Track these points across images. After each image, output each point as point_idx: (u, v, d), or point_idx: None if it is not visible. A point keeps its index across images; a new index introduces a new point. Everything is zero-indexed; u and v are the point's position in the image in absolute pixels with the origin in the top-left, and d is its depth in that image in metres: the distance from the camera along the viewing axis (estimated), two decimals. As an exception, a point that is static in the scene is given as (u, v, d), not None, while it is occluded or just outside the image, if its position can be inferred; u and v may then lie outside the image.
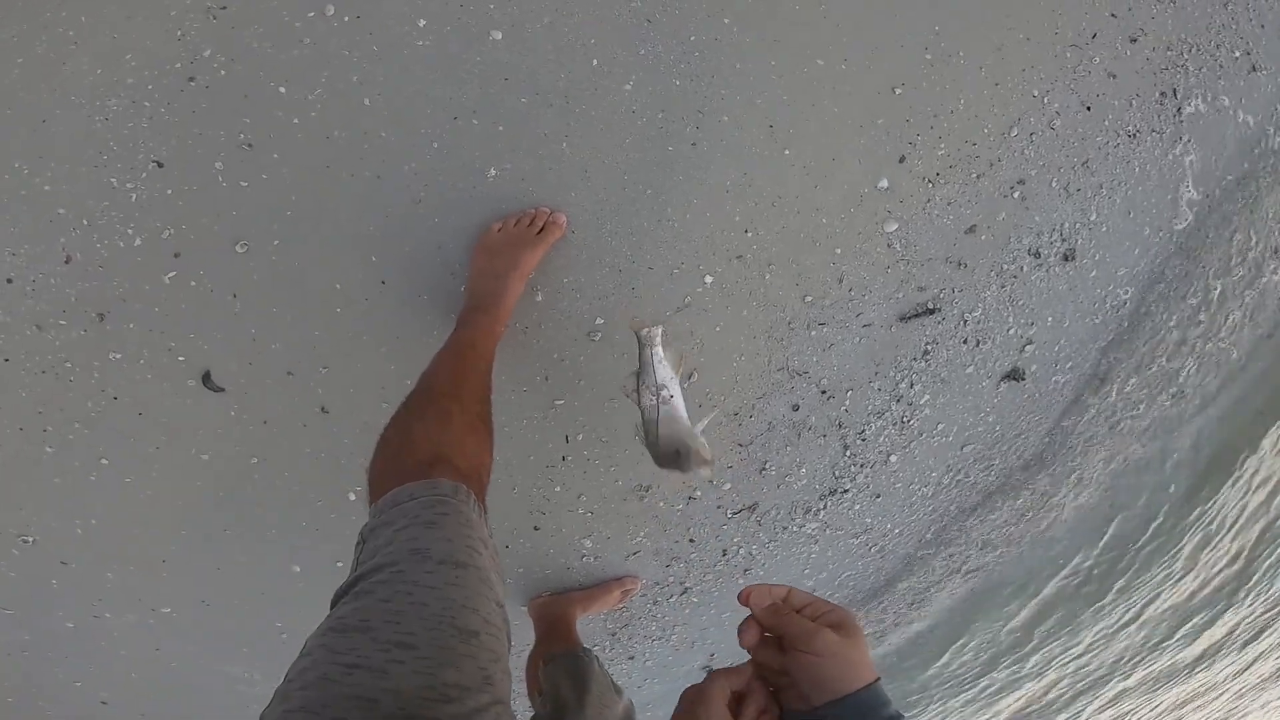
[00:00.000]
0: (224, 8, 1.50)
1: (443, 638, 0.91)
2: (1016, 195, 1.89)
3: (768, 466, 2.19)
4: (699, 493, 2.20)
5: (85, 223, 1.64)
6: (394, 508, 1.05)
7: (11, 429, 1.85)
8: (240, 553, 2.11)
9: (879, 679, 0.72)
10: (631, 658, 2.61)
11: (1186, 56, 1.85)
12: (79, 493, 1.95)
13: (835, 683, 0.71)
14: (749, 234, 1.83)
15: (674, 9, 1.62)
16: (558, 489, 2.11)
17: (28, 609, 2.18)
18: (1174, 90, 1.87)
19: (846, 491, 2.33)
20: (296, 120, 1.59)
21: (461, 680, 0.88)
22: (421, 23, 1.56)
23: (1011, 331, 2.10)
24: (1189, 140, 1.94)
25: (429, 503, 1.04)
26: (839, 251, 1.89)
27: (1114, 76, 1.81)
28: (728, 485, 2.21)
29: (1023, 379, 2.21)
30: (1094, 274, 2.06)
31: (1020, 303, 2.05)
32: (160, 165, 1.59)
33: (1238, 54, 1.88)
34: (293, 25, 1.52)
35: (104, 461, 1.91)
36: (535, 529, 2.18)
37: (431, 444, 1.19)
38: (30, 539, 2.00)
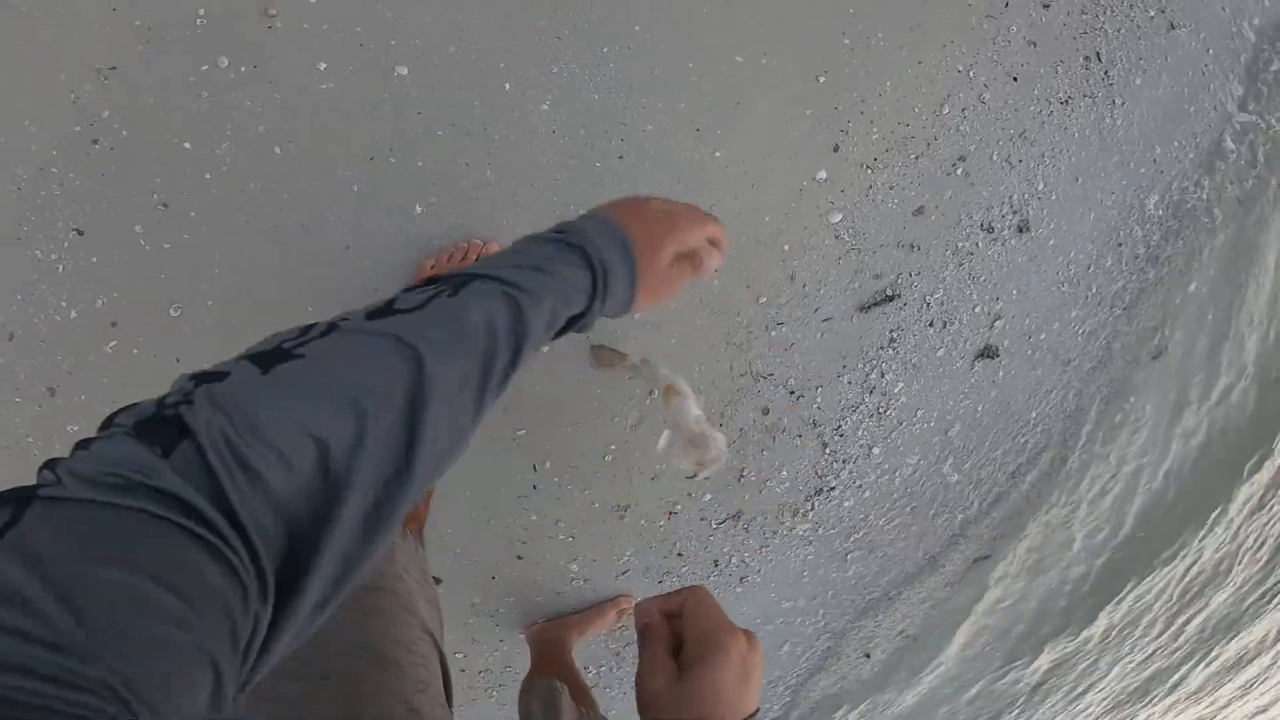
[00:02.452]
0: (113, 68, 1.41)
1: (357, 666, 0.86)
2: (960, 172, 1.77)
3: (745, 473, 2.07)
4: (679, 507, 2.08)
5: (19, 298, 1.56)
6: None
7: (-14, 504, 1.76)
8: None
9: (758, 710, 0.65)
10: (639, 675, 2.47)
11: (1103, 19, 1.75)
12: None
13: (713, 710, 0.63)
14: (691, 241, 1.72)
15: (582, 23, 1.52)
16: (534, 517, 2.00)
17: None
18: (1097, 54, 1.76)
19: (833, 489, 2.20)
20: (208, 175, 1.50)
21: (381, 712, 0.83)
22: (322, 65, 1.46)
23: (978, 309, 1.98)
24: (1124, 103, 1.81)
25: None
26: (786, 248, 1.78)
27: (1034, 45, 1.71)
28: (708, 496, 2.09)
29: (997, 355, 2.08)
30: (1051, 242, 1.93)
31: (982, 279, 1.93)
32: (80, 233, 1.51)
33: (1152, 13, 1.77)
34: (187, 80, 1.43)
35: (82, 533, 1.82)
36: (518, 558, 2.07)
37: None
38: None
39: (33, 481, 0.41)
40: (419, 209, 1.60)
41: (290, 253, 1.58)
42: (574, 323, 0.70)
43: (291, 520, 0.46)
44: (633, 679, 0.66)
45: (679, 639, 0.68)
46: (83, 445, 0.43)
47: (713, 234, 0.82)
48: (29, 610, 0.33)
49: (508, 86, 1.55)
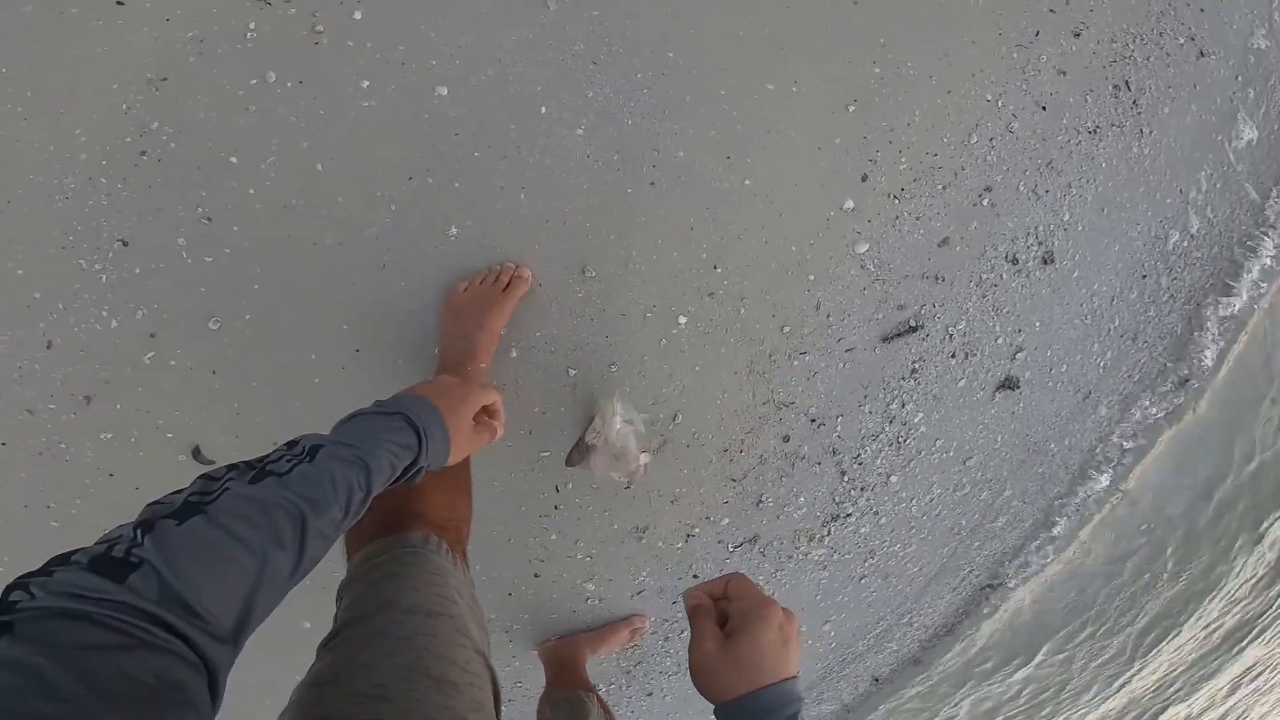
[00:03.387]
0: (165, 79, 1.41)
1: (418, 689, 0.87)
2: (986, 203, 1.75)
3: (764, 499, 2.04)
4: (697, 530, 2.05)
5: (61, 306, 1.55)
6: (365, 562, 1.03)
7: (16, 506, 1.75)
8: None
9: (796, 675, 0.74)
10: (650, 694, 2.43)
11: (1133, 47, 1.72)
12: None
13: (759, 671, 0.72)
14: (718, 270, 1.71)
15: (617, 48, 1.52)
16: (553, 537, 1.97)
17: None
18: (1126, 82, 1.74)
19: (849, 516, 2.16)
20: (252, 190, 1.49)
21: None
22: (365, 84, 1.46)
23: (1000, 341, 1.94)
24: (1151, 132, 1.79)
25: (397, 555, 1.01)
26: (812, 278, 1.76)
27: (1064, 73, 1.68)
28: (726, 520, 2.05)
29: (1018, 387, 2.04)
30: (1076, 274, 1.90)
31: (1005, 311, 1.90)
32: (125, 244, 1.51)
33: (1182, 40, 1.74)
34: (236, 94, 1.43)
35: (109, 536, 1.80)
36: (536, 576, 2.03)
37: (398, 500, 1.11)
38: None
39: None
40: (454, 231, 1.59)
41: (327, 270, 1.58)
42: (408, 471, 0.89)
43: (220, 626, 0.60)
44: (643, 696, 0.74)
45: (724, 616, 0.78)
46: (44, 574, 0.53)
47: (492, 401, 1.09)
48: (42, 681, 0.44)
49: (543, 110, 1.54)
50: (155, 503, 0.66)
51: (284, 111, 1.46)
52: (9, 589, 0.51)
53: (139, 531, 0.59)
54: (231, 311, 1.59)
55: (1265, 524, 2.58)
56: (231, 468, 0.73)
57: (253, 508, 0.67)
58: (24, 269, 1.51)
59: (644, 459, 1.76)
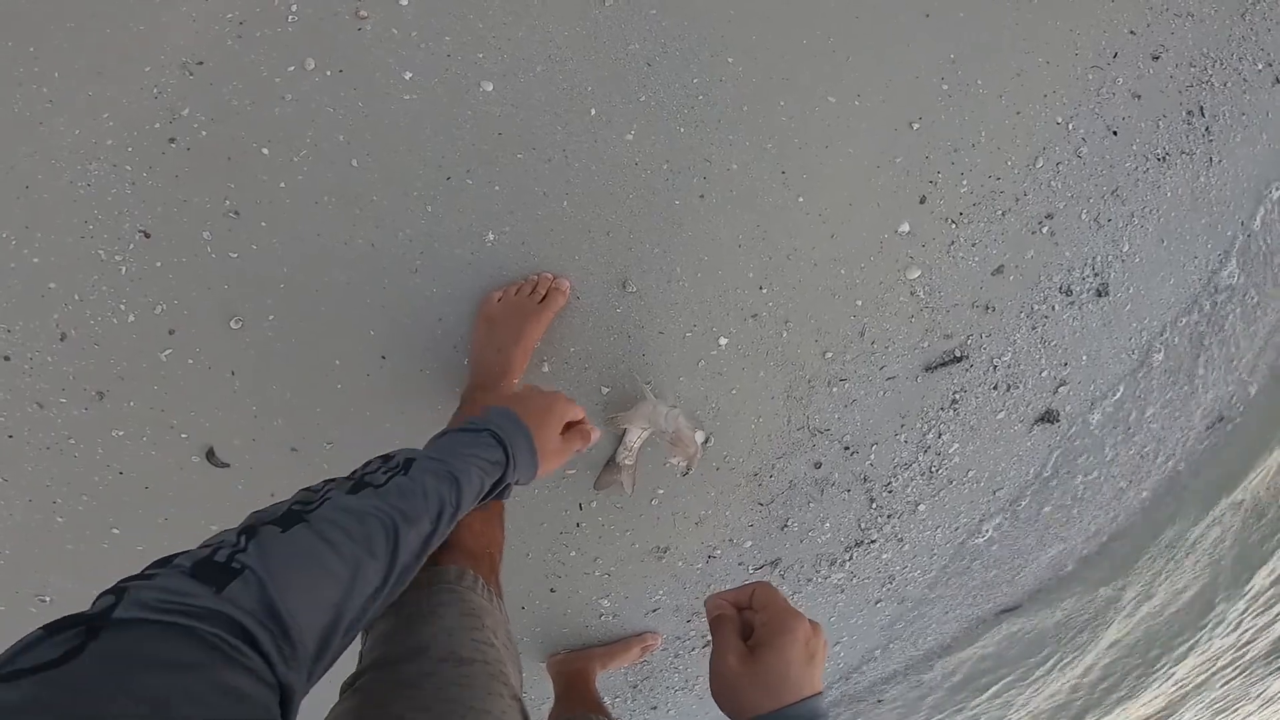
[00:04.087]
0: (200, 63, 1.30)
1: None
2: (1045, 230, 1.64)
3: (789, 523, 1.94)
4: (719, 551, 1.95)
5: (77, 298, 1.45)
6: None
7: (20, 500, 1.65)
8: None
9: (821, 692, 0.69)
10: (654, 708, 2.34)
11: (1210, 72, 1.61)
12: (92, 559, 1.73)
13: (782, 688, 0.68)
14: (764, 290, 1.60)
15: (674, 51, 1.41)
16: (573, 554, 1.87)
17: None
18: (1201, 108, 1.63)
19: (874, 542, 2.06)
20: (283, 184, 1.38)
21: None
22: (408, 75, 1.35)
23: (1044, 374, 1.84)
24: (1220, 161, 1.68)
25: (431, 593, 0.94)
26: (860, 303, 1.65)
27: (1139, 97, 1.57)
28: (749, 543, 1.95)
29: (1057, 420, 1.94)
30: (1128, 308, 1.79)
31: (1053, 343, 1.80)
32: (147, 235, 1.40)
33: (1260, 66, 1.64)
34: (272, 81, 1.32)
35: (115, 531, 1.70)
36: (551, 591, 1.94)
37: None
38: (47, 599, 1.79)
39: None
40: (491, 236, 1.48)
41: (358, 271, 1.47)
42: (496, 487, 0.90)
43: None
44: (647, 710, 0.67)
45: (749, 627, 0.73)
46: (145, 577, 0.52)
47: (576, 415, 1.08)
48: (116, 691, 0.42)
49: (593, 112, 1.43)
50: (259, 511, 0.68)
51: (321, 102, 1.35)
52: (107, 593, 0.50)
53: (243, 537, 0.60)
54: (254, 311, 1.48)
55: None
56: (329, 481, 0.75)
57: (350, 518, 0.68)
58: (40, 257, 1.41)
59: (699, 436, 1.69)
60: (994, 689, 2.66)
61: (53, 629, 0.46)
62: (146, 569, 0.55)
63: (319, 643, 0.59)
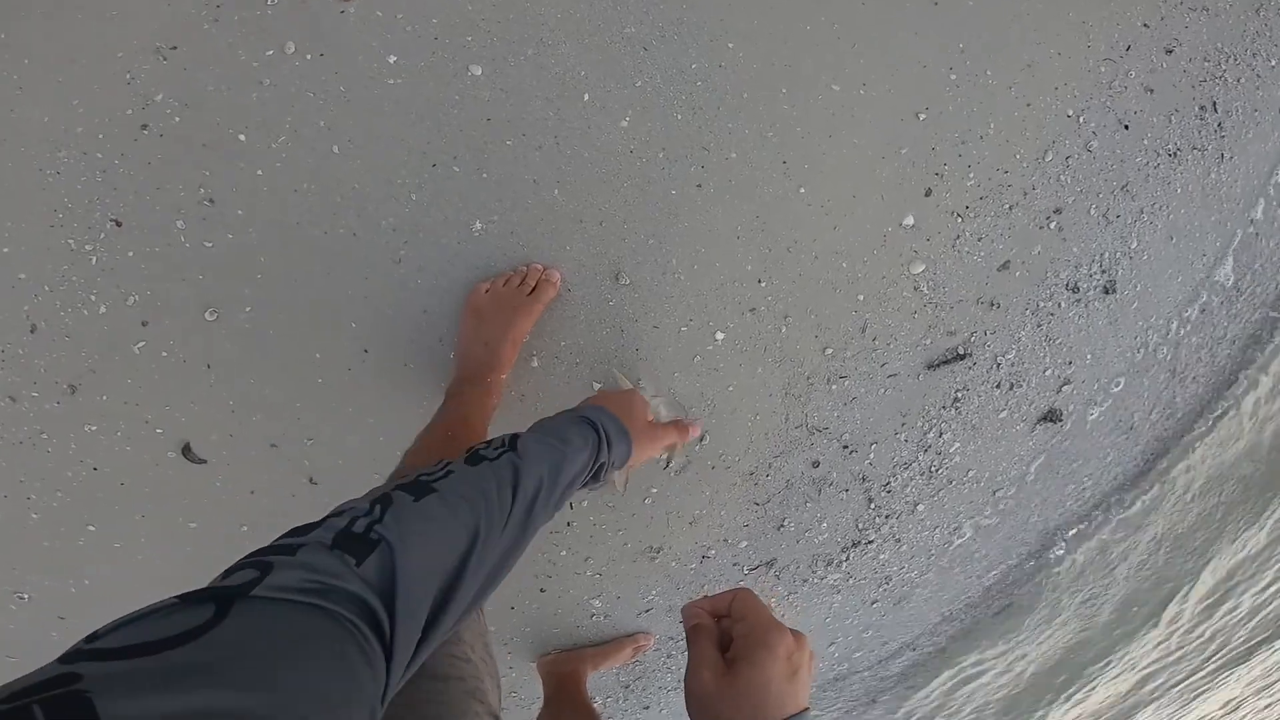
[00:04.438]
0: (174, 47, 1.23)
1: None
2: (1053, 226, 1.59)
3: (786, 523, 1.88)
4: (713, 552, 1.90)
5: (47, 289, 1.38)
6: None
7: (-5, 497, 1.58)
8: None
9: (808, 709, 0.63)
10: (646, 708, 2.30)
11: (1224, 66, 1.55)
12: (68, 555, 1.68)
13: (762, 706, 0.62)
14: (762, 284, 1.54)
15: (672, 35, 1.34)
16: (563, 553, 1.82)
17: (31, 657, 1.91)
18: (1214, 103, 1.57)
19: (871, 542, 2.01)
20: (260, 172, 1.31)
21: None
22: (392, 59, 1.28)
23: (1048, 372, 1.79)
24: (1232, 157, 1.62)
25: None
26: (861, 298, 1.59)
27: (1151, 91, 1.51)
28: (744, 543, 1.90)
29: (1060, 420, 1.89)
30: (1135, 305, 1.74)
31: (1058, 341, 1.74)
32: (119, 224, 1.33)
33: (1274, 62, 1.58)
34: (250, 65, 1.25)
35: (90, 528, 1.64)
36: (541, 591, 1.88)
37: None
38: (25, 596, 1.73)
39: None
40: (479, 225, 1.42)
41: (339, 261, 1.40)
42: (600, 470, 0.94)
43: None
44: (639, 710, 0.72)
45: (727, 638, 0.68)
46: (287, 551, 0.52)
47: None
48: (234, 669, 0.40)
49: (586, 97, 1.37)
50: (389, 480, 0.73)
51: (301, 87, 1.28)
52: (248, 562, 0.51)
53: (377, 506, 0.61)
54: (231, 302, 1.42)
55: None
56: (466, 452, 0.78)
57: (475, 489, 0.70)
58: (9, 247, 1.34)
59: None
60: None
61: (189, 600, 0.45)
62: (288, 537, 0.55)
63: (433, 610, 0.60)
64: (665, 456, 1.65)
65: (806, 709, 0.63)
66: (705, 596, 0.74)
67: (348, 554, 0.54)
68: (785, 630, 0.66)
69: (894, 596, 2.20)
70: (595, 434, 0.93)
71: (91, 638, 0.41)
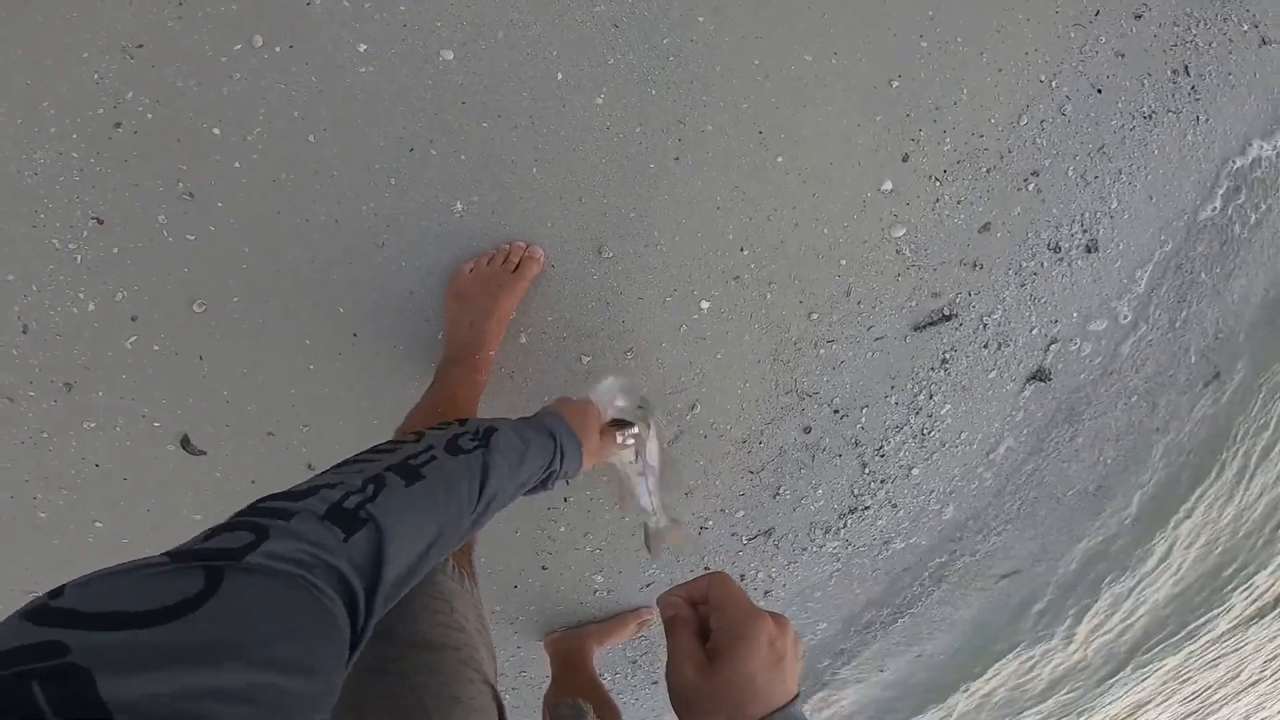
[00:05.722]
0: (140, 45, 1.23)
1: None
2: (1031, 188, 1.58)
3: (781, 491, 1.89)
4: (711, 523, 1.91)
5: (35, 289, 1.39)
6: None
7: (1, 496, 1.60)
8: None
9: (797, 695, 0.60)
10: (655, 682, 2.31)
11: (1194, 31, 1.54)
12: (78, 552, 1.70)
13: (747, 700, 0.58)
14: (745, 252, 1.54)
15: (642, 11, 1.34)
16: (562, 529, 1.83)
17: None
18: (1185, 67, 1.56)
19: (868, 508, 2.02)
20: (238, 164, 1.32)
21: None
22: (362, 48, 1.28)
23: (1035, 331, 1.79)
24: (1207, 119, 1.61)
25: None
26: (844, 263, 1.59)
27: (1122, 56, 1.50)
28: (741, 513, 1.91)
29: (1049, 379, 1.89)
30: (1118, 264, 1.73)
31: (1043, 300, 1.74)
32: (100, 222, 1.34)
33: (1245, 27, 1.57)
34: (218, 60, 1.25)
35: (98, 524, 1.66)
36: (543, 568, 1.90)
37: None
38: (37, 593, 1.75)
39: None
40: (459, 207, 1.42)
41: (321, 248, 1.41)
42: (546, 473, 0.94)
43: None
44: (648, 684, 0.64)
45: (707, 626, 0.64)
46: (282, 516, 0.52)
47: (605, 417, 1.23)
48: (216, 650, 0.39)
49: (560, 77, 1.36)
50: (377, 452, 0.70)
51: (272, 78, 1.28)
52: (243, 522, 0.51)
53: (370, 485, 0.61)
54: (217, 294, 1.43)
55: None
56: (433, 431, 0.78)
57: (452, 483, 0.71)
58: (-8, 249, 1.35)
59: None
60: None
61: (179, 560, 0.45)
62: (279, 500, 0.55)
63: (389, 595, 0.59)
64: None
65: (796, 695, 0.60)
66: (681, 584, 0.69)
67: (338, 527, 0.54)
68: (765, 617, 0.62)
69: (894, 563, 2.20)
70: (553, 445, 0.95)
71: (56, 593, 0.40)
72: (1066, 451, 2.04)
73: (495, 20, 1.30)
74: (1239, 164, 1.70)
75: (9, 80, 1.24)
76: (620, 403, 1.47)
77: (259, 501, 0.56)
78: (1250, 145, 1.69)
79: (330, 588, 0.50)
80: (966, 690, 2.69)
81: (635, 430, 1.31)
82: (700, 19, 1.35)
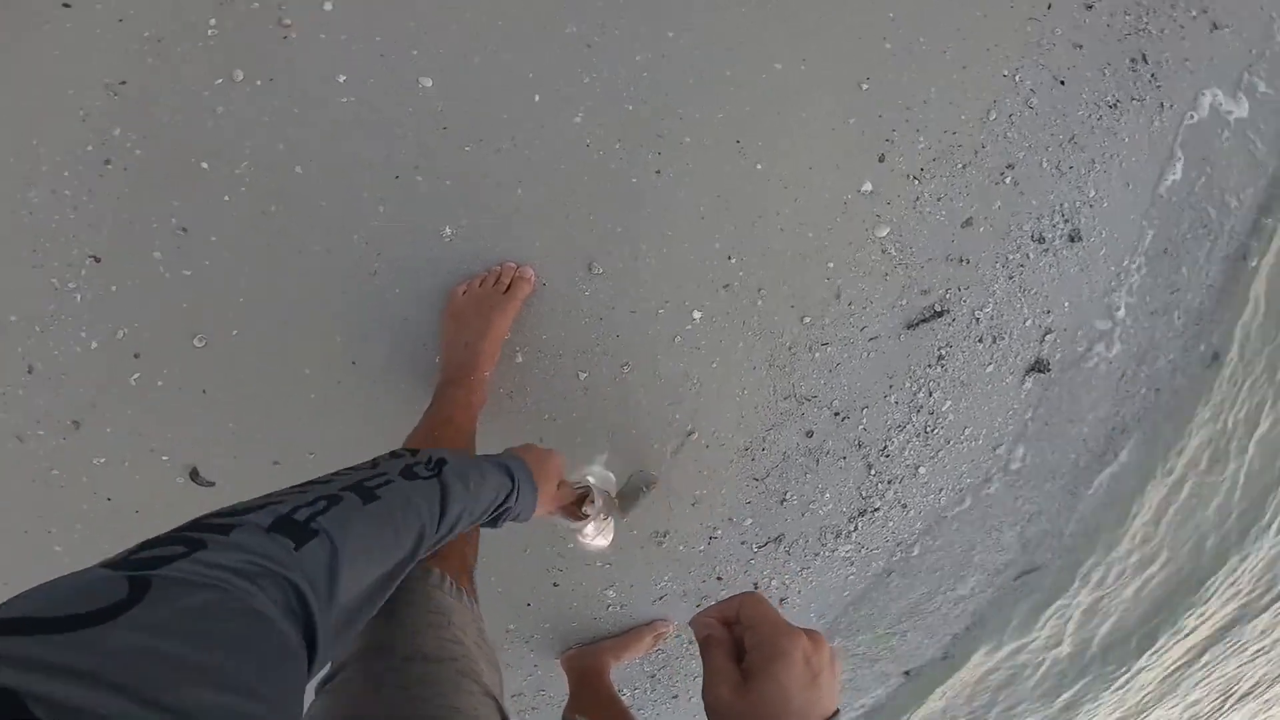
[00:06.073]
0: (123, 82, 1.28)
1: None
2: (1008, 181, 1.60)
3: (788, 496, 1.89)
4: (720, 532, 1.91)
5: (38, 329, 1.43)
6: None
7: (16, 532, 1.64)
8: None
9: (837, 711, 0.59)
10: (675, 697, 2.29)
11: (1146, 19, 1.58)
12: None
13: (789, 716, 0.57)
14: (733, 260, 1.56)
15: (613, 29, 1.38)
16: (571, 545, 1.84)
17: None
18: (1143, 55, 1.59)
19: (877, 510, 2.01)
20: (227, 198, 1.36)
21: None
22: (341, 79, 1.32)
23: (1028, 323, 1.79)
24: (1172, 105, 1.63)
25: (394, 594, 0.87)
26: (831, 265, 1.61)
27: (1080, 47, 1.54)
28: (749, 520, 1.91)
29: (1048, 370, 1.88)
30: (1104, 251, 1.74)
31: (1033, 291, 1.74)
32: (98, 260, 1.38)
33: (1194, 12, 1.60)
34: (201, 95, 1.30)
35: (114, 558, 1.68)
36: (555, 585, 1.91)
37: None
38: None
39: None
40: (449, 231, 1.45)
41: (315, 278, 1.44)
42: (498, 510, 0.94)
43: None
44: (668, 699, 0.63)
45: (741, 645, 0.63)
46: (220, 530, 0.50)
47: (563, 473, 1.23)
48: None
49: (537, 98, 1.40)
50: (334, 475, 0.70)
51: (255, 112, 1.33)
52: (177, 536, 0.48)
53: (323, 501, 0.60)
54: (217, 327, 1.46)
55: None
56: (392, 457, 0.79)
57: (409, 507, 0.70)
58: (-5, 291, 1.39)
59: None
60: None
61: (108, 568, 0.43)
62: (222, 515, 0.53)
63: (348, 619, 0.59)
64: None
65: (836, 712, 0.59)
66: (714, 605, 0.68)
67: (286, 538, 0.52)
68: (799, 634, 0.61)
69: (908, 565, 2.19)
70: (510, 484, 0.95)
71: None
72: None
73: (471, 46, 1.34)
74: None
75: (-1, 118, 1.30)
76: (595, 480, 1.51)
77: (201, 517, 0.54)
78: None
79: (277, 599, 0.48)
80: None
81: (594, 509, 1.40)
82: (670, 34, 1.39)
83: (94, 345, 1.44)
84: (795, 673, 0.58)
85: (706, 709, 0.61)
